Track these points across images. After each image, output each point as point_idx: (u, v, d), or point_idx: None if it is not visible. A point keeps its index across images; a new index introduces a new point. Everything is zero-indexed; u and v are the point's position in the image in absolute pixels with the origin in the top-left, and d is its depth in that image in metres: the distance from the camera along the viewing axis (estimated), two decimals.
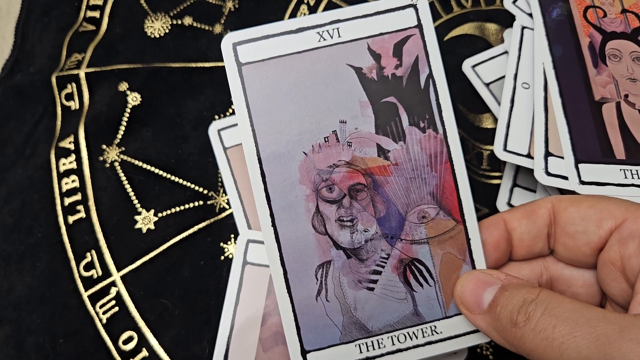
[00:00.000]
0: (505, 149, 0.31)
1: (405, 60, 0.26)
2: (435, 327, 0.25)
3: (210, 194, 0.33)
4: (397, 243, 0.25)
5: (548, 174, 0.30)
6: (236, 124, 0.33)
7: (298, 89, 0.25)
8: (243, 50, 0.25)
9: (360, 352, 0.25)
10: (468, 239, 0.25)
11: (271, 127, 0.25)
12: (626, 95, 0.32)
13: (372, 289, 0.25)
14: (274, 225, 0.25)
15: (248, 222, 0.32)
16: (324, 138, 0.25)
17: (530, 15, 0.34)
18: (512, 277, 0.24)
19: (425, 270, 0.25)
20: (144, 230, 0.33)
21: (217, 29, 0.37)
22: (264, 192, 0.25)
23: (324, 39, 0.26)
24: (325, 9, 0.38)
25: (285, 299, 0.25)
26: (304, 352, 0.25)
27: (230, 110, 0.35)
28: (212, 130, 0.34)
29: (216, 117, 0.35)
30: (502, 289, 0.23)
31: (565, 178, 0.30)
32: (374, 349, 0.25)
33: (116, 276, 0.32)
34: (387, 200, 0.25)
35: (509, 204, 0.33)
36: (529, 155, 0.31)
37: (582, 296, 0.26)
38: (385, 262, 0.25)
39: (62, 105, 0.36)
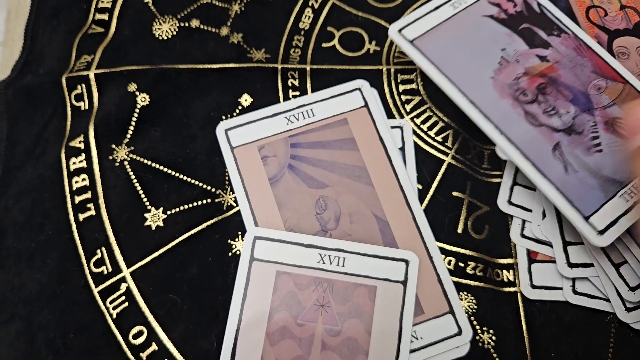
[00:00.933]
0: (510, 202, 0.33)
1: (517, 0, 0.35)
2: None
3: (217, 192, 0.34)
4: (595, 112, 0.32)
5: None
6: (244, 124, 0.34)
7: (464, 43, 0.34)
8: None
9: (627, 200, 0.29)
10: (637, 91, 0.32)
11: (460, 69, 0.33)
12: None
13: (600, 150, 0.31)
14: (503, 133, 0.31)
15: (255, 220, 0.32)
16: (498, 63, 0.33)
17: None
18: None
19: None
20: (153, 228, 0.33)
21: (224, 31, 0.38)
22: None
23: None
24: (329, 12, 0.39)
25: (543, 183, 0.30)
26: (586, 218, 0.29)
27: (238, 111, 0.36)
28: (220, 130, 0.34)
29: (223, 117, 0.36)
30: None
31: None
32: (634, 194, 0.30)
33: (126, 272, 0.33)
34: (567, 86, 0.32)
35: (510, 202, 0.34)
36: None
37: None
38: (597, 128, 0.31)
39: (72, 106, 0.37)
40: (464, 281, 0.32)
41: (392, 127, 0.35)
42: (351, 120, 0.34)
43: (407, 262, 0.31)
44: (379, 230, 0.31)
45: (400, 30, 0.35)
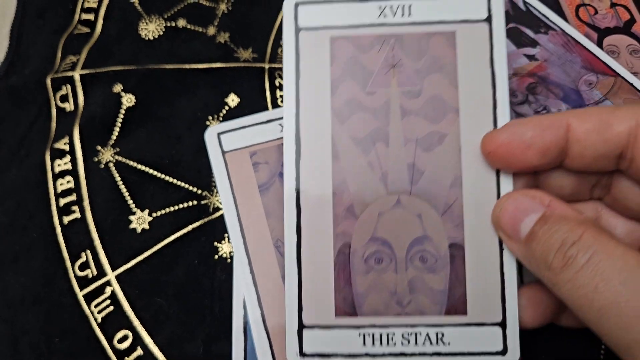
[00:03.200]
0: None
1: None
2: None
3: (204, 194, 0.34)
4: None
5: None
6: (237, 129, 0.34)
7: None
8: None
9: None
10: (629, 83, 0.31)
11: None
12: None
13: None
14: None
15: (241, 226, 0.32)
16: None
17: None
18: (558, 204, 0.20)
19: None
20: (139, 230, 0.33)
21: (211, 30, 0.38)
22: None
23: None
24: None
25: None
26: None
27: (225, 111, 0.35)
28: (211, 133, 0.34)
29: (210, 117, 0.35)
30: (541, 220, 0.20)
31: None
32: None
33: (111, 276, 0.32)
34: (557, 84, 0.30)
35: None
36: None
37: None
38: None
39: (57, 107, 0.36)
40: None
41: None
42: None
43: None
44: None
45: None
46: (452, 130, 0.24)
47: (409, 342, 0.23)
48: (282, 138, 0.33)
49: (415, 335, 0.23)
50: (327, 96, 0.25)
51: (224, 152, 0.33)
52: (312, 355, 0.24)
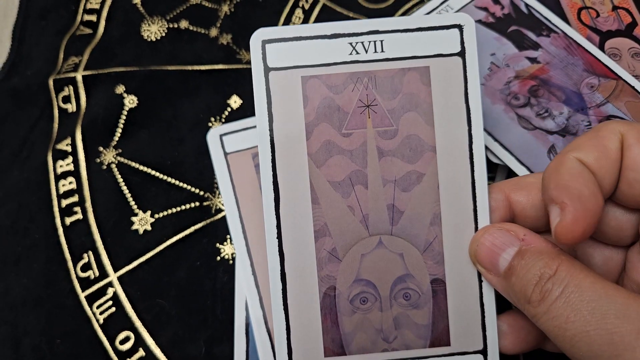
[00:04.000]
0: None
1: (504, 2, 0.34)
2: None
3: (206, 195, 0.34)
4: (589, 111, 0.31)
5: None
6: (239, 130, 0.33)
7: None
8: None
9: None
10: (630, 87, 0.31)
11: None
12: None
13: None
14: (496, 139, 0.30)
15: (243, 228, 0.32)
16: (488, 69, 0.32)
17: None
18: (533, 238, 0.21)
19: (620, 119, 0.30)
20: (141, 232, 0.33)
21: (213, 32, 0.38)
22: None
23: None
24: (319, 14, 0.38)
25: None
26: None
27: (227, 113, 0.35)
28: (213, 135, 0.34)
29: (212, 119, 0.35)
30: (519, 255, 0.21)
31: None
32: None
33: (113, 277, 0.32)
34: (559, 87, 0.30)
35: None
36: None
37: (598, 270, 0.23)
38: (591, 127, 0.30)
39: (59, 108, 0.36)
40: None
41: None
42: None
43: (460, 27, 0.24)
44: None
45: None
46: (430, 169, 0.24)
47: None
48: None
49: None
50: (303, 140, 0.24)
51: (226, 154, 0.33)
52: None
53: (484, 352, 0.24)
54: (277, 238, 0.24)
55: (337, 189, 0.24)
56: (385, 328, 0.24)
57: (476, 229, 0.24)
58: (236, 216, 0.32)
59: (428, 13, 0.34)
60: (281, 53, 0.24)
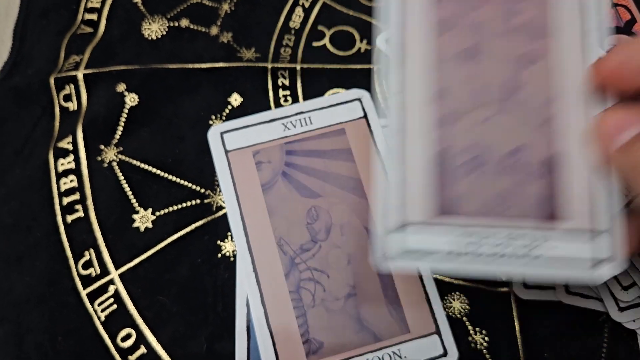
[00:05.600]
0: None
1: None
2: None
3: (207, 193, 0.34)
4: None
5: None
6: (240, 128, 0.34)
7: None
8: None
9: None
10: None
11: None
12: None
13: None
14: None
15: (244, 225, 0.32)
16: None
17: None
18: None
19: None
20: (142, 229, 0.33)
21: (214, 30, 0.38)
22: None
23: None
24: (320, 11, 0.38)
25: None
26: None
27: (227, 111, 0.36)
28: (214, 132, 0.34)
29: (213, 117, 0.35)
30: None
31: None
32: None
33: (114, 274, 0.32)
34: None
35: None
36: None
37: None
38: None
39: (61, 107, 0.37)
40: (456, 281, 0.31)
41: (384, 127, 0.34)
42: (349, 130, 0.34)
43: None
44: (370, 244, 0.31)
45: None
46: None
47: (509, 244, 0.23)
48: (285, 137, 0.33)
49: (517, 238, 0.23)
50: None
51: (226, 151, 0.33)
52: (416, 251, 0.24)
53: (603, 231, 0.23)
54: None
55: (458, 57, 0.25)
56: (501, 194, 0.24)
57: (595, 109, 0.23)
58: (237, 213, 0.32)
59: None
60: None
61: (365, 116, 0.34)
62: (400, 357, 0.29)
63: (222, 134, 0.34)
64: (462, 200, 0.24)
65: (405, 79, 0.25)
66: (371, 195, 0.32)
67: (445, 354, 0.29)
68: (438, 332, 0.30)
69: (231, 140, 0.34)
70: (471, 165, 0.24)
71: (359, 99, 0.34)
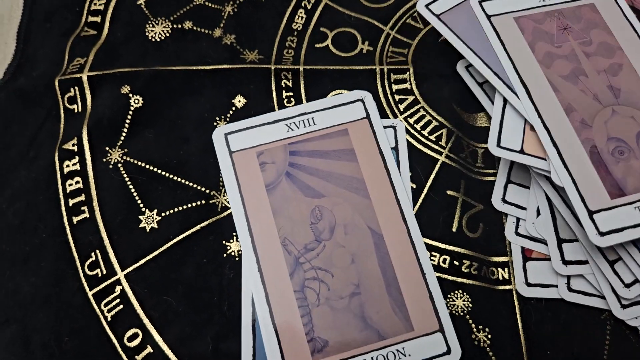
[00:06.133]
0: (498, 145, 0.32)
1: None
2: None
3: (212, 194, 0.34)
4: None
5: None
6: (244, 129, 0.34)
7: None
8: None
9: None
10: None
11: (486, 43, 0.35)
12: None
13: None
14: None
15: (249, 225, 0.32)
16: None
17: None
18: None
19: None
20: (148, 230, 0.33)
21: (217, 32, 0.38)
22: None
23: None
24: (322, 13, 0.39)
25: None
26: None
27: (231, 112, 0.36)
28: (218, 134, 0.34)
29: (217, 118, 0.36)
30: None
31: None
32: None
33: (120, 275, 0.32)
34: None
35: (504, 200, 0.34)
36: (522, 151, 0.32)
37: None
38: None
39: (65, 108, 0.37)
40: (459, 279, 0.32)
41: (385, 127, 0.35)
42: (352, 131, 0.34)
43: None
44: (373, 243, 0.31)
45: (427, 5, 0.36)
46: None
47: None
48: (289, 138, 0.34)
49: None
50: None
51: (231, 152, 0.34)
52: (609, 232, 0.29)
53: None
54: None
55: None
56: None
57: None
58: (242, 213, 0.32)
59: None
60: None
61: (367, 117, 0.34)
62: (405, 355, 0.29)
63: (226, 135, 0.34)
64: (623, 184, 0.30)
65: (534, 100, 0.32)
66: (374, 195, 0.32)
67: (448, 351, 0.29)
68: (441, 330, 0.30)
69: (235, 141, 0.34)
70: (615, 155, 0.31)
71: (362, 100, 0.35)
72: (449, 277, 0.32)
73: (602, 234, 0.29)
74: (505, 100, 0.33)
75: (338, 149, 0.34)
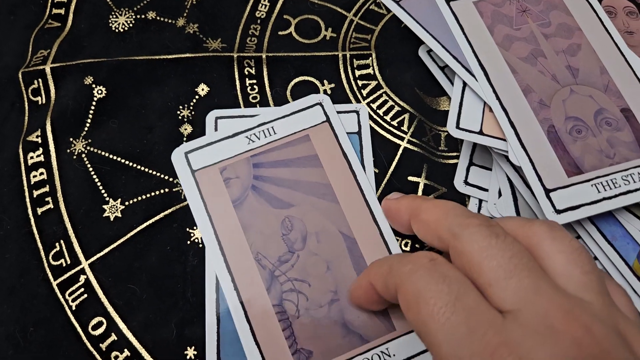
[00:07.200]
0: (458, 127, 0.32)
1: None
2: None
3: (175, 182, 0.34)
4: None
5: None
6: (204, 146, 0.33)
7: None
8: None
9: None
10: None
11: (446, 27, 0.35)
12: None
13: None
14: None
15: (221, 245, 0.31)
16: None
17: None
18: None
19: None
20: (112, 219, 0.33)
21: (180, 22, 0.38)
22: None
23: None
24: (285, 1, 0.39)
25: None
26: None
27: (195, 100, 0.36)
28: (178, 153, 0.33)
29: (180, 107, 0.36)
30: None
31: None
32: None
33: (85, 264, 0.32)
34: None
35: (466, 182, 0.34)
36: (481, 132, 0.32)
37: None
38: None
39: (29, 101, 0.37)
40: None
41: (348, 112, 0.35)
42: (313, 136, 0.33)
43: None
44: (346, 248, 0.31)
45: None
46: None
47: (627, 182, 0.30)
48: (251, 150, 0.33)
49: (630, 175, 0.31)
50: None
51: (193, 171, 0.33)
52: (565, 209, 0.30)
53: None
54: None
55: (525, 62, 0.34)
56: (604, 149, 0.31)
57: (630, 64, 0.34)
58: (211, 233, 0.31)
59: None
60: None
61: (327, 120, 0.34)
62: (389, 355, 0.29)
63: (186, 154, 0.33)
64: (580, 162, 0.31)
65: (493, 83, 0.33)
66: (342, 199, 0.32)
67: None
68: None
69: (197, 159, 0.33)
70: (573, 134, 0.32)
71: (320, 103, 0.34)
72: None
73: (558, 212, 0.30)
74: (464, 83, 0.33)
75: (301, 156, 0.33)
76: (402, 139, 0.35)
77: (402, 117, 0.36)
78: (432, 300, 0.21)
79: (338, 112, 0.34)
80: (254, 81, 0.36)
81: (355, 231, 0.31)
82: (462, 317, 0.20)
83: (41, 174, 0.35)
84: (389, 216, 0.31)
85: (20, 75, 0.37)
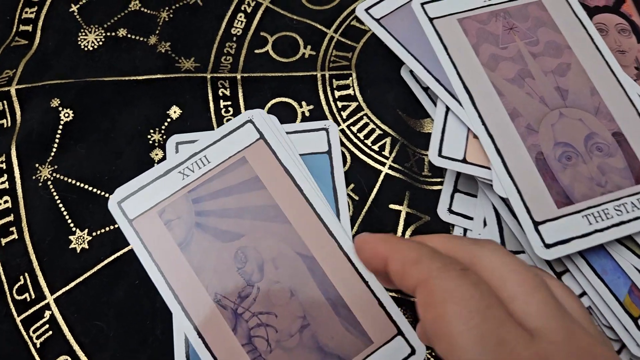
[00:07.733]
0: (440, 155, 0.31)
1: None
2: None
3: None
4: None
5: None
6: (137, 191, 0.31)
7: None
8: None
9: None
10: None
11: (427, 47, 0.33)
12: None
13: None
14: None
15: (175, 294, 0.29)
16: None
17: None
18: None
19: None
20: (78, 250, 0.32)
21: (152, 40, 0.36)
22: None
23: None
24: (262, 16, 0.37)
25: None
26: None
27: (167, 123, 0.34)
28: (112, 203, 0.30)
29: (151, 130, 0.34)
30: None
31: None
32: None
33: (50, 299, 0.31)
34: None
35: (450, 210, 0.32)
36: (464, 161, 0.31)
37: None
38: None
39: None
40: (407, 297, 0.31)
41: (316, 130, 0.33)
42: (250, 157, 0.31)
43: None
44: (307, 269, 0.29)
45: (367, 9, 0.34)
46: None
47: (620, 212, 0.29)
48: (187, 185, 0.31)
49: (623, 205, 0.29)
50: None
51: (130, 221, 0.30)
52: (555, 244, 0.28)
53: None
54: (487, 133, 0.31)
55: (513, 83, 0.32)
56: (594, 176, 0.30)
57: (622, 84, 0.32)
58: (162, 282, 0.29)
59: None
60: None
61: (261, 136, 0.31)
62: None
63: (119, 203, 0.31)
64: (570, 191, 0.29)
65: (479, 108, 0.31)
66: (293, 217, 0.30)
67: (413, 351, 0.28)
68: (400, 332, 0.28)
69: (131, 206, 0.30)
70: (562, 161, 0.30)
71: (250, 120, 0.32)
72: (396, 295, 0.30)
73: (547, 246, 0.28)
74: (447, 107, 0.32)
75: (242, 181, 0.31)
76: (383, 164, 0.33)
77: (384, 141, 0.34)
78: (463, 303, 0.20)
79: (305, 131, 0.32)
80: (229, 103, 0.35)
81: (313, 249, 0.30)
82: (493, 326, 0.19)
83: (5, 201, 0.33)
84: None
85: None
